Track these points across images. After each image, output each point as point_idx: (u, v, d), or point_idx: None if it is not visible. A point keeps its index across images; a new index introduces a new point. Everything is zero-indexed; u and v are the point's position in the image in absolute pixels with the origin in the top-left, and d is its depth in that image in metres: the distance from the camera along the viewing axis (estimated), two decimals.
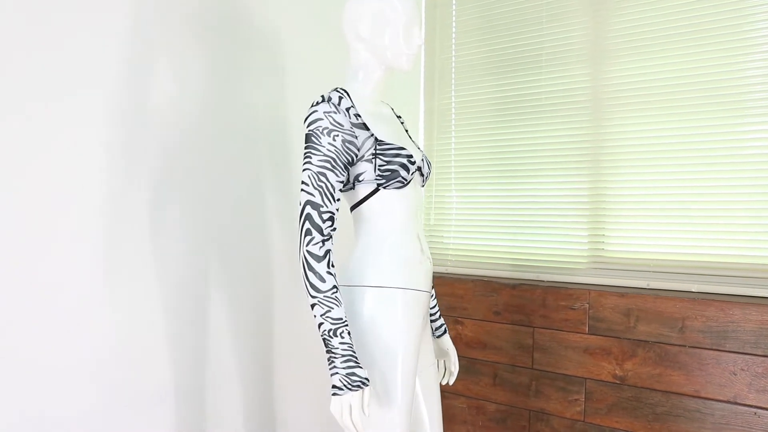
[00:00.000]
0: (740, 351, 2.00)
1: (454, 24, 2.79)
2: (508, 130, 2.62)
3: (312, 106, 1.46)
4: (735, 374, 2.01)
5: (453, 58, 2.79)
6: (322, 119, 1.42)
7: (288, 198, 2.23)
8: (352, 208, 1.55)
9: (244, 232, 2.08)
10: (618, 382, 2.23)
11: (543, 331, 2.40)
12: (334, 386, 1.34)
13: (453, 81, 2.79)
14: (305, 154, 1.42)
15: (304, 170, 1.41)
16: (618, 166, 2.33)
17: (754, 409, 1.97)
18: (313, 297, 1.35)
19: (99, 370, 1.67)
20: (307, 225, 1.38)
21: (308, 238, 1.37)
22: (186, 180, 1.89)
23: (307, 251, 1.36)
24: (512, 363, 2.50)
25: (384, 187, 1.50)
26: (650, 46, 2.26)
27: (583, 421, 2.31)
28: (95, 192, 1.66)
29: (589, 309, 2.29)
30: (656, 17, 2.25)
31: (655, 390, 2.16)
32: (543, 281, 2.48)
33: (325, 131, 1.41)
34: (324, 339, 1.35)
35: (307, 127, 1.43)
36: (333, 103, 1.44)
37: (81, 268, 1.63)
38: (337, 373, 1.33)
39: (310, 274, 1.36)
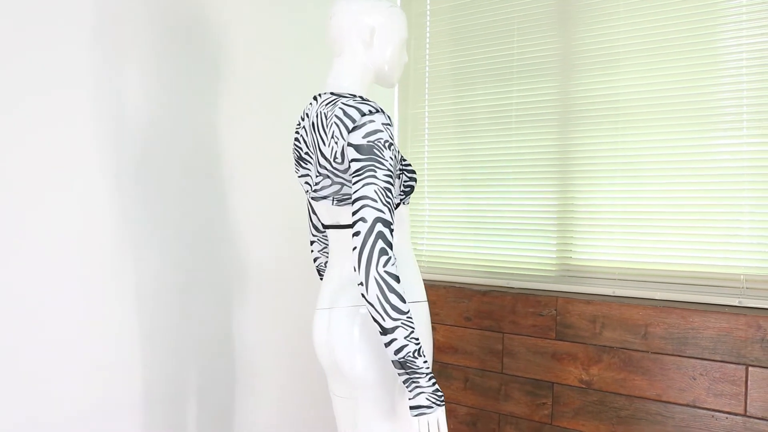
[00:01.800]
0: (699, 357, 2.08)
1: (428, 35, 2.84)
2: (479, 140, 2.68)
3: (363, 114, 1.34)
4: (694, 379, 2.09)
5: (426, 69, 2.85)
6: (382, 131, 1.33)
7: (276, 201, 2.27)
8: None
9: (220, 237, 2.11)
10: (584, 386, 2.31)
11: (512, 336, 2.47)
12: (419, 406, 1.29)
13: (426, 91, 2.85)
14: (367, 167, 1.30)
15: (366, 184, 1.29)
16: (585, 177, 2.41)
17: (712, 412, 2.06)
18: (395, 319, 1.26)
19: (78, 376, 1.69)
20: (381, 244, 1.27)
21: (385, 258, 1.26)
22: (166, 184, 1.92)
23: (387, 272, 1.26)
24: (482, 368, 2.56)
25: (404, 203, 1.50)
26: (616, 61, 2.35)
27: (551, 424, 2.38)
28: (73, 198, 1.68)
29: (556, 315, 2.37)
30: (622, 33, 2.33)
31: (619, 394, 2.24)
32: (513, 288, 2.55)
33: (386, 144, 1.32)
34: (406, 361, 1.27)
35: (365, 137, 1.32)
36: (387, 116, 1.36)
37: (60, 274, 1.65)
38: (422, 392, 1.28)
39: (392, 296, 1.26)
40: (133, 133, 1.83)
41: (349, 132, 1.34)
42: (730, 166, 2.14)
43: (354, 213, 1.30)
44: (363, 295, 1.28)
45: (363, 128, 1.32)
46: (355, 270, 1.29)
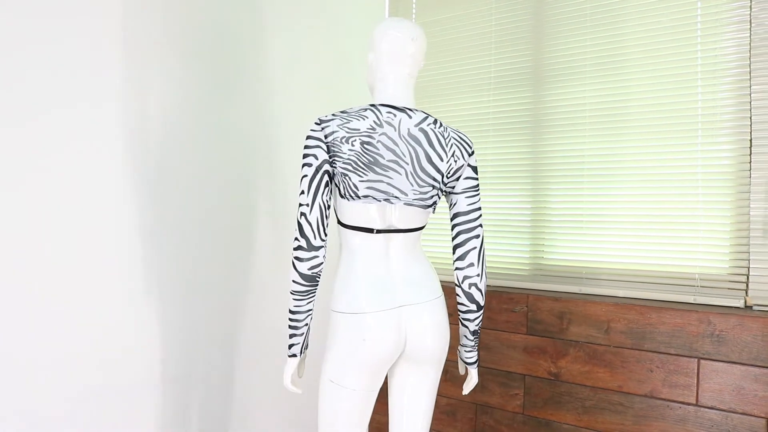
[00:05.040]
0: (656, 350, 2.23)
1: None
2: None
3: (471, 142, 1.70)
4: (651, 371, 2.24)
5: None
6: None
7: (280, 202, 2.44)
8: (422, 227, 1.66)
9: (233, 232, 2.28)
10: (553, 378, 2.46)
11: (488, 331, 2.63)
12: (477, 360, 1.76)
13: None
14: (479, 185, 1.70)
15: (480, 199, 1.67)
16: (555, 182, 2.57)
17: (667, 402, 2.20)
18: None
19: (83, 366, 1.87)
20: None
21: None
22: (180, 184, 2.09)
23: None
24: None
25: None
26: (582, 73, 2.50)
27: (523, 414, 2.54)
28: (90, 194, 1.85)
29: (528, 312, 2.52)
30: (588, 48, 2.48)
31: (584, 385, 2.38)
32: (489, 286, 2.71)
33: None
34: (478, 329, 1.71)
35: (476, 161, 1.69)
36: None
37: (71, 268, 1.82)
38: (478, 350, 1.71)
39: None
40: (152, 136, 2.00)
41: (470, 155, 1.63)
42: (686, 173, 2.28)
43: (473, 220, 1.64)
44: (475, 285, 1.64)
45: (475, 153, 1.68)
46: (473, 265, 1.63)
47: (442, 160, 1.56)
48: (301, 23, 2.61)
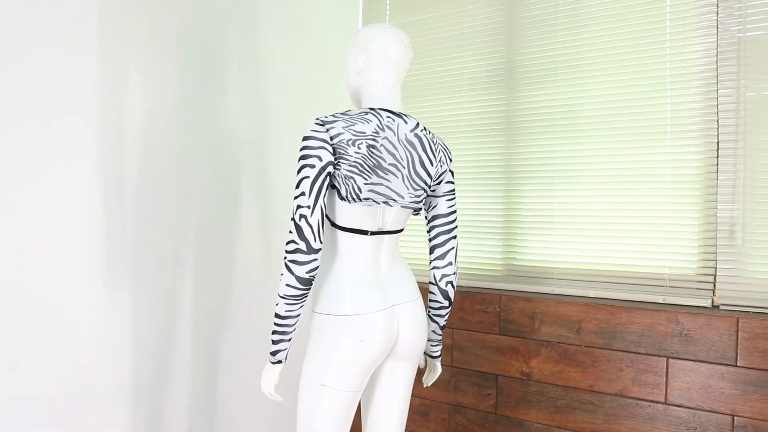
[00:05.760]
0: (626, 350, 2.26)
1: None
2: None
3: None
4: (622, 370, 2.27)
5: None
6: None
7: (263, 203, 2.41)
8: (403, 229, 1.79)
9: (218, 236, 2.25)
10: (525, 378, 2.48)
11: (461, 331, 2.64)
12: (441, 354, 1.88)
13: None
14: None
15: (456, 202, 1.83)
16: (528, 184, 2.59)
17: (637, 401, 2.24)
18: None
19: (64, 367, 1.83)
20: None
21: None
22: (167, 186, 2.05)
23: None
24: None
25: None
26: (554, 75, 2.52)
27: (495, 414, 2.55)
28: (75, 199, 1.81)
29: (500, 312, 2.54)
30: (560, 51, 2.50)
31: (556, 385, 2.41)
32: (462, 287, 2.72)
33: None
34: (446, 325, 1.86)
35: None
36: None
37: (50, 269, 1.78)
38: None
39: None
40: (139, 137, 1.96)
41: (450, 161, 1.73)
42: (655, 174, 2.31)
43: (452, 222, 1.73)
44: (451, 282, 1.74)
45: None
46: (451, 264, 1.74)
47: (432, 164, 1.63)
48: (284, 24, 2.58)
